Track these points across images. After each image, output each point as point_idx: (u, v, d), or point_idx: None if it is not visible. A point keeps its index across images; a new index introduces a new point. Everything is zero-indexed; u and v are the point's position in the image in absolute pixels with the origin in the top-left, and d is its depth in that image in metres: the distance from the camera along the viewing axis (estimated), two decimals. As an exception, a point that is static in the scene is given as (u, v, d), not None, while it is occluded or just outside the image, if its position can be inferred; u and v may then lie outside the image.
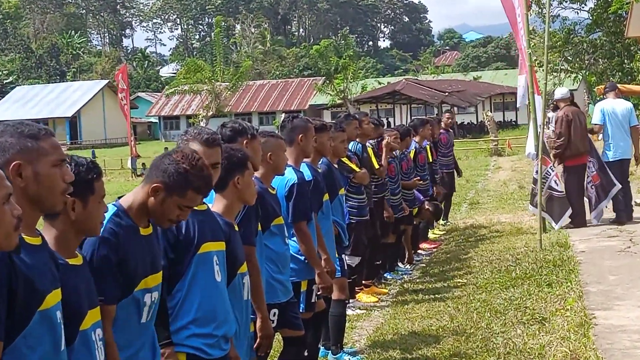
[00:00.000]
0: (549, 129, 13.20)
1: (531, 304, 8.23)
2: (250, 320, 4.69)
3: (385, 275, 10.66)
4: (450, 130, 15.32)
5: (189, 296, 4.00)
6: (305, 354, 5.76)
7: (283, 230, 5.42)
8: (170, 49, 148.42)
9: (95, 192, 3.19)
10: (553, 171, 12.19)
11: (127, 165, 44.93)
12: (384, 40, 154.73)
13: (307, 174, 6.27)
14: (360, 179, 8.51)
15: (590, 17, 35.22)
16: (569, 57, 36.42)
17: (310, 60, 75.10)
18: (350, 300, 8.59)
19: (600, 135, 13.34)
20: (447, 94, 55.78)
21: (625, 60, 32.81)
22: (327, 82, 60.84)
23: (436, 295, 9.36)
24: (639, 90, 22.83)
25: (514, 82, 14.48)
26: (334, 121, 8.29)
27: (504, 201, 18.04)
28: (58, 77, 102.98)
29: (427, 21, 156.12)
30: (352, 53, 62.76)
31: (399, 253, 11.37)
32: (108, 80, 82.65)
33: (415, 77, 74.56)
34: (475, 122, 62.16)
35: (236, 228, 4.51)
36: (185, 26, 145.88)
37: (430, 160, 12.73)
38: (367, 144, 9.42)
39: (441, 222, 14.68)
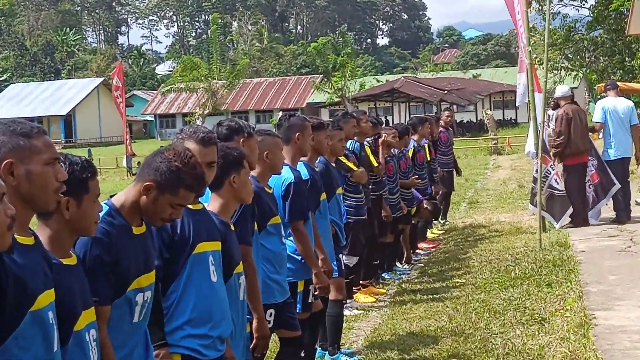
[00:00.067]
0: (549, 127, 13.16)
1: (530, 304, 8.19)
2: (246, 320, 4.66)
3: (383, 275, 10.62)
4: (450, 129, 15.28)
5: (184, 296, 3.98)
6: (302, 354, 5.75)
7: (280, 230, 5.40)
8: (167, 46, 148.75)
9: (89, 191, 3.17)
10: (553, 170, 12.17)
11: (122, 164, 44.86)
12: (382, 38, 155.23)
13: (304, 173, 6.25)
14: (358, 178, 8.47)
15: (591, 15, 35.26)
16: (569, 55, 36.47)
17: (307, 58, 75.14)
18: (348, 301, 8.56)
19: (600, 134, 13.31)
20: (446, 92, 55.70)
21: (627, 58, 32.86)
22: (325, 80, 60.80)
23: (434, 296, 9.33)
24: (639, 89, 22.79)
25: (514, 80, 14.42)
26: (331, 119, 8.24)
27: (504, 200, 18.03)
28: (53, 75, 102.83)
29: (426, 18, 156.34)
30: (350, 51, 62.75)
31: (397, 253, 11.33)
32: (103, 78, 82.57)
33: (414, 75, 74.53)
34: (475, 121, 62.19)
35: (232, 227, 4.49)
36: (181, 23, 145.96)
37: (429, 159, 12.68)
38: (365, 142, 9.38)
39: (440, 221, 14.65)
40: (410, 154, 11.63)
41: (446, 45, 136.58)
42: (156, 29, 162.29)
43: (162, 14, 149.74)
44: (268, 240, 5.25)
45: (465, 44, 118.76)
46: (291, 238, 5.88)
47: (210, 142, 4.26)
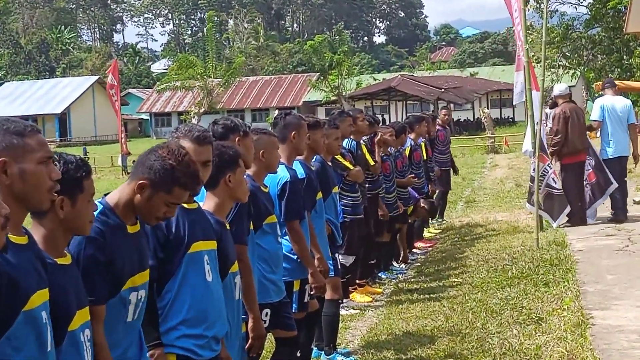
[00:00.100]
0: (546, 125, 13.14)
1: (527, 304, 8.17)
2: (241, 320, 4.65)
3: (379, 274, 10.60)
4: (448, 127, 15.24)
5: (179, 296, 3.97)
6: (298, 354, 5.71)
7: (275, 229, 5.39)
8: (162, 44, 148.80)
9: (84, 191, 3.15)
10: (551, 169, 12.15)
11: (117, 162, 44.85)
12: (379, 36, 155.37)
13: (300, 172, 6.24)
14: (354, 177, 8.45)
15: (589, 12, 35.28)
16: (567, 53, 36.51)
17: (304, 56, 74.99)
18: (344, 300, 8.54)
19: (598, 133, 13.29)
20: (443, 90, 55.70)
21: (624, 56, 32.87)
22: (321, 78, 60.83)
23: (431, 295, 9.31)
24: (637, 87, 22.80)
25: (511, 78, 14.39)
26: (327, 118, 8.22)
27: (501, 199, 18.02)
28: (47, 73, 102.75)
29: (423, 16, 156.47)
30: (346, 49, 62.82)
31: (393, 252, 11.30)
32: (98, 77, 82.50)
33: (411, 73, 74.49)
34: (472, 119, 62.24)
35: (227, 227, 4.47)
36: (177, 21, 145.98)
37: (426, 157, 12.65)
38: (361, 141, 9.36)
39: (437, 220, 14.63)
40: (407, 152, 11.60)
41: (443, 43, 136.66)
42: (152, 27, 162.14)
43: (158, 12, 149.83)
44: (264, 240, 5.23)
45: (463, 42, 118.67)
46: (287, 237, 5.86)
47: (205, 140, 4.25)
